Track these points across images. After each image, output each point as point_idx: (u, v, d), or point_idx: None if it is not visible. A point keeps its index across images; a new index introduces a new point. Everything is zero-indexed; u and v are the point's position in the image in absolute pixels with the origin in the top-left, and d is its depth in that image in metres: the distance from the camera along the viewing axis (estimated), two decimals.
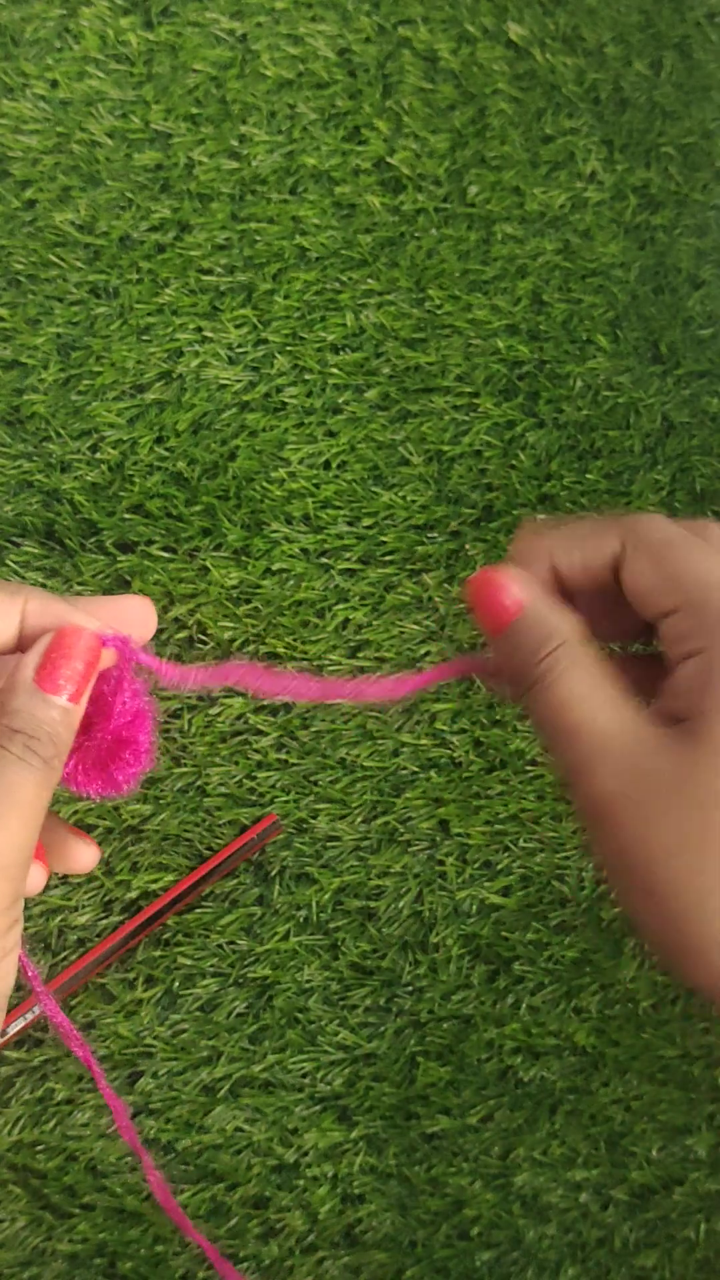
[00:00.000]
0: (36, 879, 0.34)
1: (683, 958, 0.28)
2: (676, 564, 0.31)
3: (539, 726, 0.31)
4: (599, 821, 0.29)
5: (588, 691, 0.30)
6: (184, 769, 0.64)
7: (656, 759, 0.29)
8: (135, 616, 0.33)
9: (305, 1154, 0.62)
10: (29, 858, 0.29)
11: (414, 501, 0.68)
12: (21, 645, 0.31)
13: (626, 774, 0.29)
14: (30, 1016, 0.59)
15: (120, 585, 0.65)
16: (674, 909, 0.28)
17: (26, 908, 0.62)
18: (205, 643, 0.65)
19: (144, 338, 0.67)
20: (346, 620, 0.66)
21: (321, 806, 0.64)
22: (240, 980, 0.63)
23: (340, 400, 0.69)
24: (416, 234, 0.71)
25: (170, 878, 0.63)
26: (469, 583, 0.33)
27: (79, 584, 0.64)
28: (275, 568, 0.66)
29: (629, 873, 0.29)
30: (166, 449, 0.66)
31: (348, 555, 0.67)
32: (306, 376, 0.69)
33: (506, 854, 0.66)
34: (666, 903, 0.28)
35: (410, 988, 0.64)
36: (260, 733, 0.64)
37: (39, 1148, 0.60)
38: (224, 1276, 0.57)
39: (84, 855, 0.35)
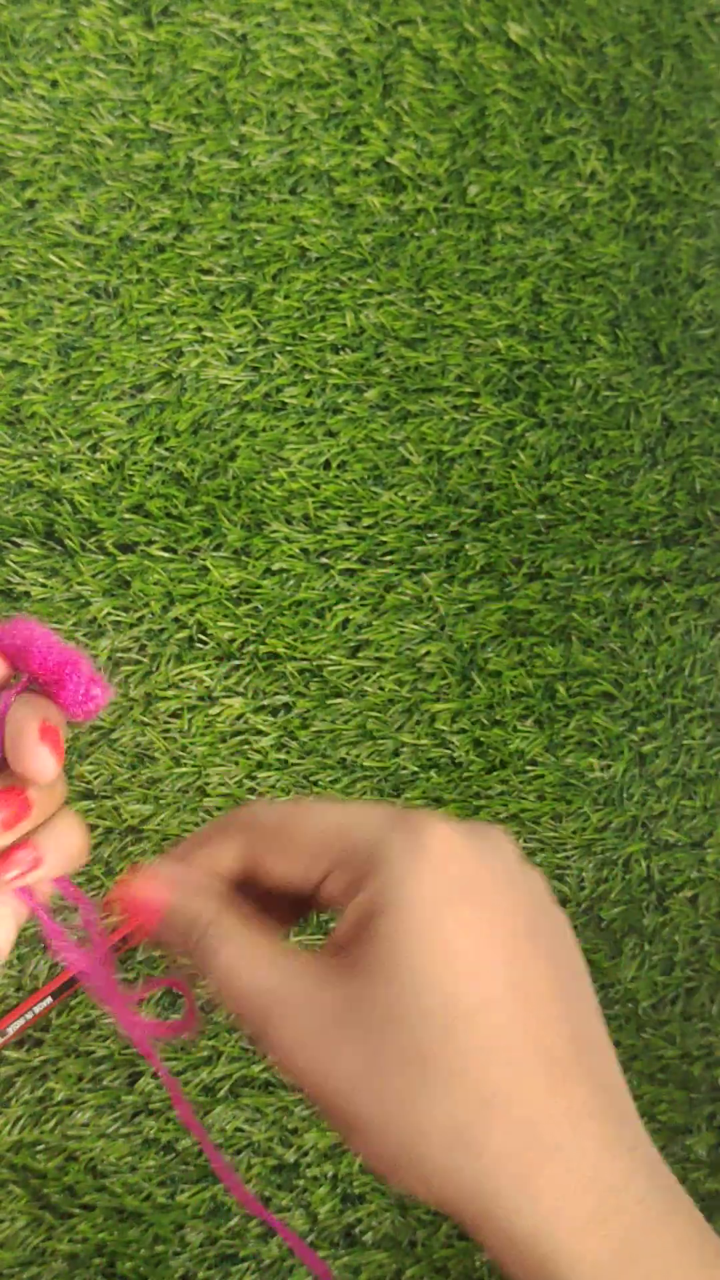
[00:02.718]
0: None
1: (393, 1174, 0.30)
2: (306, 835, 0.32)
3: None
4: (291, 1073, 0.30)
5: (241, 957, 0.32)
6: (184, 769, 0.64)
7: (322, 994, 0.30)
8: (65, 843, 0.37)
9: (305, 1154, 0.62)
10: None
11: (414, 501, 0.68)
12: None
13: (296, 1018, 0.30)
14: (30, 1016, 0.59)
15: (120, 585, 0.65)
16: (371, 1134, 0.30)
17: None
18: (205, 642, 0.65)
19: (144, 338, 0.67)
20: (346, 620, 0.66)
21: None
22: None
23: (340, 400, 0.69)
24: (416, 234, 0.71)
25: None
26: (114, 899, 0.35)
27: (79, 584, 0.64)
28: (275, 568, 0.66)
29: (330, 1112, 0.30)
30: (166, 449, 0.66)
31: (348, 555, 0.67)
32: (306, 376, 0.69)
33: None
34: (365, 1131, 0.30)
35: None
36: (260, 733, 0.64)
37: (39, 1148, 0.60)
38: (304, 1261, 0.58)
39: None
